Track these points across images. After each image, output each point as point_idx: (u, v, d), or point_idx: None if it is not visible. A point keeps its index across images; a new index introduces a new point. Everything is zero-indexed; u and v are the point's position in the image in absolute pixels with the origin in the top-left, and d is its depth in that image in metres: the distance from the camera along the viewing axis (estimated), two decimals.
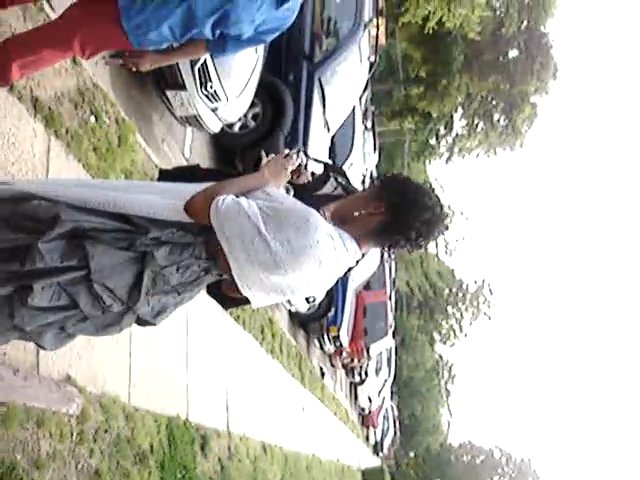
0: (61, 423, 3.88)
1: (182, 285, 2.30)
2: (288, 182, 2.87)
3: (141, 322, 2.40)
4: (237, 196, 2.18)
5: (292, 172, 2.75)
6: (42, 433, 3.68)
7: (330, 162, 3.52)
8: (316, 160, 3.28)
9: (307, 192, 3.16)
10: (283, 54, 8.28)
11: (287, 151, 2.51)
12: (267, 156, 2.52)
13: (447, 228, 2.30)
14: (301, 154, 3.06)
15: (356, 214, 2.28)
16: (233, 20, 3.07)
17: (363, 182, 11.49)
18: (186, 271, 2.26)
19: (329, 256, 2.15)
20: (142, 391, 5.17)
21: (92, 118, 4.79)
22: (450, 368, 74.94)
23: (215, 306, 6.02)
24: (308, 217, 2.13)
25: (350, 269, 2.45)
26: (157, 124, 6.49)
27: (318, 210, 2.24)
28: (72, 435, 4.00)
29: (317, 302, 12.41)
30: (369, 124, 25.46)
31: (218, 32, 3.17)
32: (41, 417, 3.68)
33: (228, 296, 2.53)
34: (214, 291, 2.80)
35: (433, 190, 2.29)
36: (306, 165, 3.00)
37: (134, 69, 3.37)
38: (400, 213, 2.23)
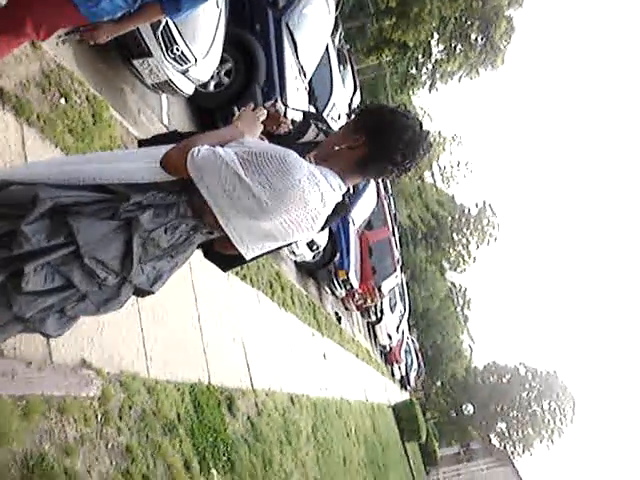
0: (83, 407, 3.90)
1: (173, 247, 2.28)
2: (270, 133, 2.85)
3: (139, 292, 2.39)
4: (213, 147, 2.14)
5: (272, 122, 2.73)
6: (66, 419, 3.70)
7: (308, 110, 3.47)
8: (294, 109, 3.23)
9: (290, 141, 3.12)
10: (246, 4, 8.12)
11: (252, 105, 2.46)
12: (239, 110, 2.49)
13: (430, 145, 2.26)
14: (278, 104, 3.00)
15: (336, 149, 2.25)
16: None
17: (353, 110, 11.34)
18: (175, 232, 2.23)
19: (313, 194, 2.11)
20: (160, 363, 5.19)
21: (62, 100, 4.70)
22: (464, 293, 75.60)
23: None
24: (286, 157, 2.09)
25: (344, 209, 2.43)
26: (130, 95, 6.38)
27: (303, 157, 2.20)
28: (97, 417, 4.03)
29: (321, 249, 12.40)
30: (346, 62, 25.19)
31: None
32: (62, 404, 3.69)
33: (224, 256, 2.51)
34: (211, 254, 2.79)
35: (409, 111, 2.26)
36: (285, 114, 2.96)
37: (92, 43, 3.29)
38: (380, 139, 2.19)
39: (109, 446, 4.06)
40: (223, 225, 2.17)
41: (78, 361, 4.05)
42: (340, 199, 2.28)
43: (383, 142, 2.19)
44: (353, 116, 2.33)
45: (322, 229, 2.61)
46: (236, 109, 2.52)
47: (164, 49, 5.53)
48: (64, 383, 3.77)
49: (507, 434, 72.98)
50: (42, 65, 4.55)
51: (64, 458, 3.56)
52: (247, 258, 2.34)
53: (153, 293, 2.42)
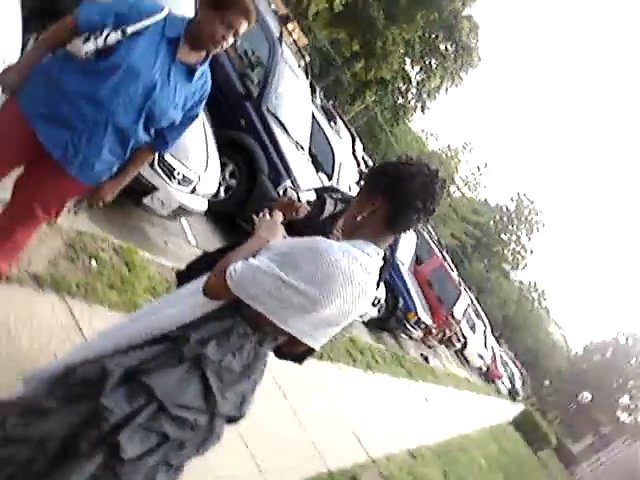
0: None
1: (247, 367, 2.31)
2: (291, 222, 2.89)
3: (230, 420, 2.41)
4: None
5: (289, 211, 2.78)
6: None
7: (320, 186, 3.53)
8: (306, 190, 3.28)
9: (313, 221, 3.16)
10: (224, 107, 8.31)
11: (267, 210, 2.50)
12: (257, 216, 2.54)
13: (444, 182, 2.27)
14: (289, 192, 3.06)
15: (359, 219, 2.26)
16: (159, 114, 3.07)
17: (360, 175, 11.46)
18: (242, 352, 2.26)
19: (354, 268, 2.13)
20: (274, 472, 5.15)
21: (92, 262, 4.82)
22: (535, 287, 74.27)
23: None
24: (316, 245, 2.13)
25: (387, 264, 2.44)
26: (152, 231, 6.54)
27: (330, 233, 2.24)
28: None
29: (382, 300, 12.35)
30: (335, 117, 25.55)
31: (153, 130, 3.17)
32: None
33: (295, 353, 2.53)
34: (281, 354, 2.82)
35: (411, 157, 2.28)
36: (298, 198, 3.01)
37: (101, 204, 3.39)
38: (395, 195, 2.22)
39: None
40: (285, 328, 2.20)
41: None
42: (381, 263, 2.30)
43: (399, 197, 2.22)
44: (362, 183, 2.37)
45: (377, 287, 2.62)
46: (254, 217, 2.56)
47: (166, 179, 5.67)
48: None
49: (634, 405, 70.30)
50: (63, 238, 4.69)
51: None
52: (317, 349, 2.36)
53: (243, 417, 2.44)
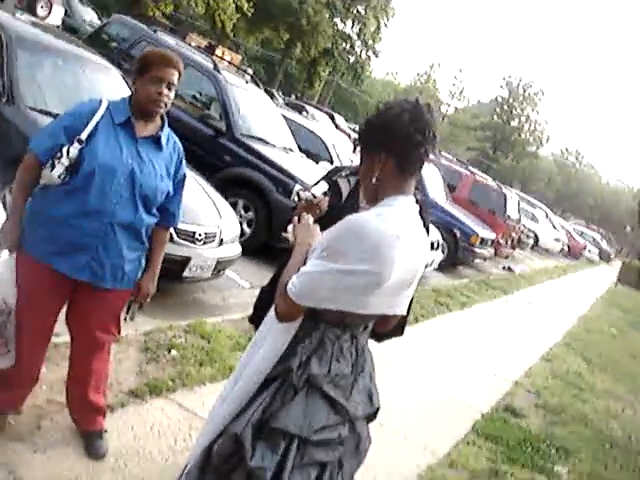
0: None
1: (355, 365, 2.30)
2: (320, 217, 2.87)
3: (369, 417, 2.42)
4: None
5: (313, 210, 2.78)
6: None
7: (322, 175, 3.51)
8: (315, 184, 3.25)
9: (339, 208, 3.15)
10: (205, 155, 8.36)
11: (295, 218, 2.48)
12: (286, 232, 2.53)
13: (429, 106, 2.22)
14: (302, 193, 3.04)
15: (374, 180, 2.23)
16: (152, 193, 3.09)
17: (354, 143, 11.51)
18: (343, 354, 2.26)
19: (393, 226, 2.11)
20: (426, 440, 5.15)
21: (173, 352, 4.86)
22: (568, 151, 73.50)
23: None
24: (350, 224, 2.10)
25: (425, 207, 2.48)
26: (207, 297, 6.61)
27: (359, 208, 2.22)
28: None
29: (441, 241, 12.25)
30: (303, 107, 25.57)
31: (155, 210, 3.18)
32: None
33: (391, 328, 2.52)
34: (380, 336, 2.83)
35: (387, 102, 2.25)
36: (314, 195, 2.99)
37: (148, 299, 3.40)
38: (392, 141, 2.18)
39: None
40: (367, 312, 2.19)
41: None
42: (417, 207, 2.27)
43: (397, 141, 2.17)
44: (357, 148, 2.33)
45: (427, 232, 2.59)
46: (288, 231, 2.54)
47: (192, 245, 5.69)
48: None
49: None
50: (134, 346, 4.73)
51: None
52: (405, 313, 2.36)
53: (379, 409, 2.44)
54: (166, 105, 3.04)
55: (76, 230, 2.97)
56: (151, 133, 3.11)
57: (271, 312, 2.29)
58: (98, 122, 2.99)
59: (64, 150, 2.92)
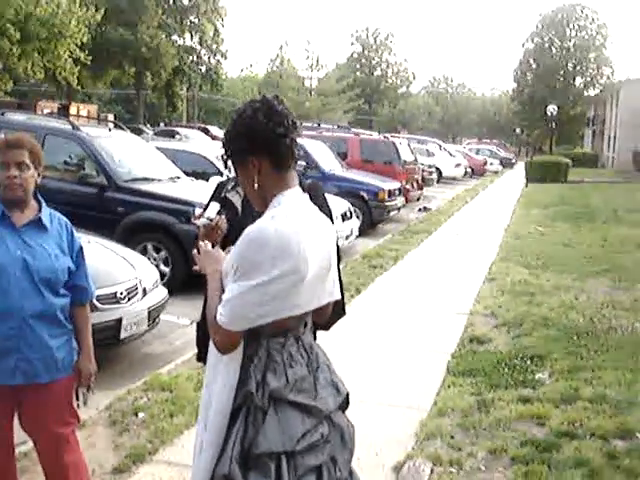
0: None
1: (310, 364, 2.31)
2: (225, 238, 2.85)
3: (342, 406, 2.42)
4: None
5: (214, 234, 2.76)
6: None
7: (210, 196, 3.47)
8: (206, 207, 3.20)
9: (238, 221, 3.12)
10: (96, 213, 8.22)
11: (194, 250, 2.46)
12: (194, 263, 2.48)
13: (277, 96, 2.27)
14: (197, 221, 3.01)
15: (256, 186, 2.24)
16: (52, 275, 2.98)
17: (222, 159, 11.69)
18: (295, 358, 2.26)
19: (293, 221, 2.14)
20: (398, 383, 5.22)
21: (140, 415, 4.75)
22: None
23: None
24: (250, 237, 2.10)
25: (318, 189, 2.60)
26: (152, 348, 6.50)
27: (257, 215, 2.21)
28: None
29: (350, 209, 12.33)
30: (175, 131, 25.33)
31: (63, 290, 3.08)
32: None
33: (329, 314, 2.52)
34: (323, 326, 2.84)
35: (237, 109, 2.27)
36: (209, 219, 2.95)
37: (94, 378, 3.29)
38: (255, 141, 2.19)
39: None
40: (302, 311, 2.21)
41: None
42: (305, 195, 2.30)
43: (260, 142, 2.19)
44: (226, 161, 2.32)
45: (330, 217, 2.62)
46: (193, 264, 2.49)
47: (117, 306, 5.57)
48: None
49: None
50: (99, 424, 4.61)
51: None
52: (339, 296, 2.41)
53: (348, 395, 2.44)
54: (23, 186, 2.94)
55: None
56: (30, 218, 3.02)
57: (211, 348, 2.27)
58: None
59: None
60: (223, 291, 2.17)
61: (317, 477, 2.21)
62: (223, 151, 2.31)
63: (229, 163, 2.33)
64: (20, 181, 2.93)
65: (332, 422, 2.31)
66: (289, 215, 2.15)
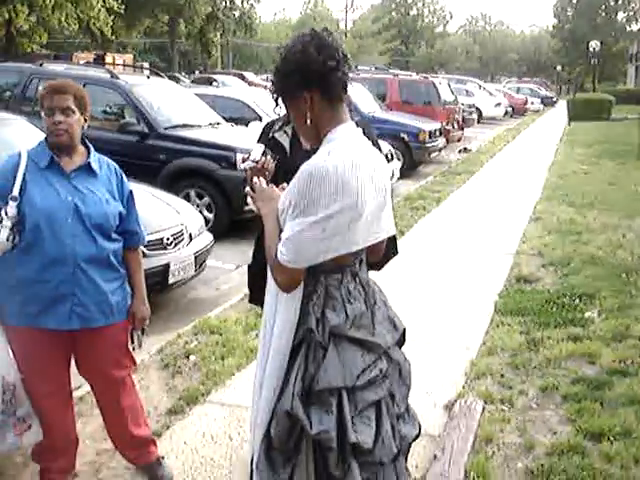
0: None
1: (367, 300, 2.30)
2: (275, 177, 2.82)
3: (400, 342, 2.43)
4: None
5: (262, 173, 2.75)
6: None
7: (258, 137, 3.43)
8: (251, 151, 3.16)
9: (287, 160, 3.10)
10: (138, 162, 8.24)
11: (247, 189, 2.43)
12: (247, 204, 2.48)
13: (326, 29, 2.22)
14: (243, 164, 2.98)
15: (309, 122, 2.20)
16: (104, 220, 2.98)
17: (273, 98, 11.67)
18: (353, 295, 2.25)
19: (349, 156, 2.10)
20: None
21: (192, 357, 4.82)
22: None
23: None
24: (307, 173, 2.06)
25: (369, 128, 2.54)
26: (199, 293, 6.59)
27: (308, 157, 2.17)
28: None
29: (392, 151, 12.21)
30: (213, 78, 25.24)
31: (114, 235, 3.09)
32: None
33: (383, 253, 2.49)
34: (377, 265, 2.81)
35: (284, 46, 2.22)
36: (255, 161, 2.93)
37: (147, 321, 3.32)
38: (309, 77, 2.13)
39: None
40: (359, 247, 2.19)
41: None
42: (358, 130, 2.25)
43: (313, 75, 2.13)
44: (277, 97, 2.27)
45: (379, 149, 2.59)
46: (249, 202, 2.47)
47: (164, 252, 5.63)
48: None
49: None
50: (154, 366, 4.69)
51: None
52: (393, 232, 2.38)
53: (405, 330, 2.45)
54: (68, 132, 2.94)
55: (47, 283, 2.90)
56: (79, 164, 3.02)
57: (269, 287, 2.26)
58: (25, 174, 2.91)
59: (2, 213, 2.84)
60: (280, 230, 2.15)
61: (376, 412, 2.23)
62: (273, 89, 2.26)
63: (279, 101, 2.28)
64: (65, 126, 2.92)
65: (390, 358, 2.31)
66: (345, 150, 2.11)
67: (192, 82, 23.09)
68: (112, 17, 31.84)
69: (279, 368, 2.20)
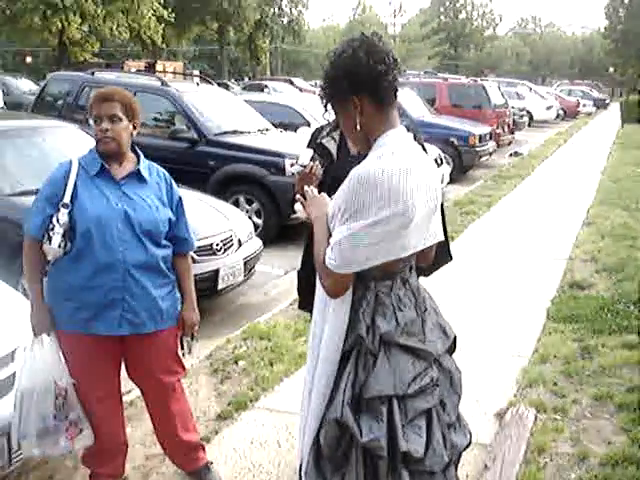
0: None
1: (418, 306, 2.27)
2: (321, 183, 2.82)
3: (450, 349, 2.41)
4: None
5: (310, 178, 2.74)
6: None
7: (307, 143, 3.43)
8: (299, 156, 3.16)
9: (335, 166, 3.09)
10: (188, 168, 8.31)
11: (299, 196, 2.42)
12: (295, 212, 2.48)
13: (375, 32, 2.19)
14: (291, 169, 2.97)
15: (358, 127, 2.17)
16: (153, 227, 3.01)
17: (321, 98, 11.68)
18: (403, 301, 2.23)
19: (400, 161, 2.06)
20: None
21: (240, 363, 4.83)
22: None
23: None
24: (357, 178, 2.04)
25: (418, 133, 2.54)
26: (248, 299, 6.61)
27: (356, 163, 2.15)
28: None
29: (441, 155, 12.10)
30: (262, 84, 25.37)
31: (164, 241, 3.12)
32: None
33: (433, 258, 2.46)
34: (428, 270, 2.77)
35: (333, 51, 2.19)
36: (303, 166, 2.92)
37: (197, 327, 3.34)
38: (358, 81, 2.11)
39: None
40: (408, 253, 2.15)
41: None
42: (409, 135, 2.22)
43: (363, 79, 2.11)
44: (327, 102, 2.25)
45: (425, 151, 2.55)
46: (297, 209, 2.47)
47: (214, 257, 5.69)
48: None
49: None
50: (204, 371, 4.71)
51: None
52: (442, 238, 2.36)
53: (456, 337, 2.42)
54: (116, 139, 2.97)
55: (98, 290, 2.93)
56: (129, 171, 3.05)
57: (319, 293, 2.25)
58: (76, 181, 2.96)
59: (54, 220, 2.89)
60: (330, 235, 2.13)
61: (427, 421, 2.20)
62: (322, 94, 2.25)
63: (328, 106, 2.26)
64: (112, 134, 2.95)
65: (441, 366, 2.28)
66: (396, 155, 2.08)
67: (243, 89, 23.27)
68: (162, 25, 32.32)
69: (328, 375, 2.19)
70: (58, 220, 2.89)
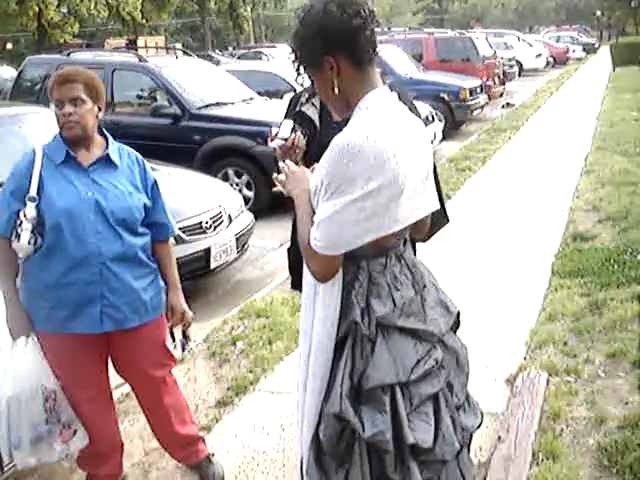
0: None
1: (416, 283, 2.07)
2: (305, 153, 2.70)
3: (454, 327, 2.21)
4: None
5: (292, 152, 2.62)
6: None
7: (284, 113, 3.21)
8: (279, 125, 2.94)
9: (317, 134, 2.90)
10: (173, 144, 8.11)
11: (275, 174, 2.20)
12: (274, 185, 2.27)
13: None
14: (272, 143, 2.80)
15: (336, 90, 1.94)
16: (127, 214, 2.79)
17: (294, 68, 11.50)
18: (399, 279, 2.03)
19: (384, 126, 1.86)
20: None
21: (239, 344, 4.68)
22: None
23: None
24: (339, 148, 1.82)
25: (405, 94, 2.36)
26: (244, 275, 6.44)
27: (340, 129, 1.93)
28: None
29: (432, 112, 11.84)
30: (246, 52, 24.94)
31: (141, 229, 2.91)
32: None
33: (429, 225, 2.26)
34: (423, 239, 2.58)
35: (301, 6, 1.97)
36: (284, 139, 2.74)
37: (187, 316, 3.16)
38: (331, 39, 1.88)
39: None
40: (401, 226, 1.94)
41: None
42: (393, 94, 1.99)
43: (337, 36, 1.88)
44: (301, 66, 2.00)
45: (417, 115, 2.37)
46: (278, 185, 2.25)
47: (204, 236, 5.50)
48: None
49: None
50: (201, 355, 4.57)
51: None
52: (438, 205, 2.15)
53: (459, 314, 2.22)
54: (80, 123, 2.73)
55: (74, 286, 2.73)
56: (98, 156, 2.82)
57: (306, 277, 2.04)
58: (41, 171, 2.73)
59: (21, 215, 2.68)
60: (314, 213, 1.92)
61: (434, 406, 2.02)
62: (293, 57, 2.01)
63: (301, 70, 2.03)
64: (76, 118, 2.72)
65: (445, 345, 2.09)
66: (380, 119, 1.86)
67: (238, 58, 22.68)
68: (141, 1, 31.79)
69: (323, 367, 1.99)
70: (25, 215, 2.68)
